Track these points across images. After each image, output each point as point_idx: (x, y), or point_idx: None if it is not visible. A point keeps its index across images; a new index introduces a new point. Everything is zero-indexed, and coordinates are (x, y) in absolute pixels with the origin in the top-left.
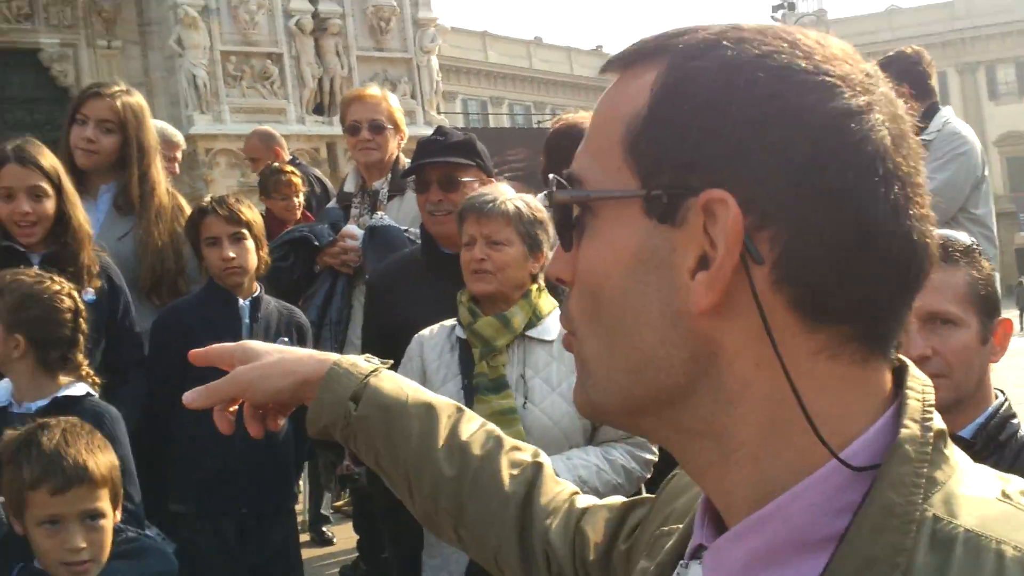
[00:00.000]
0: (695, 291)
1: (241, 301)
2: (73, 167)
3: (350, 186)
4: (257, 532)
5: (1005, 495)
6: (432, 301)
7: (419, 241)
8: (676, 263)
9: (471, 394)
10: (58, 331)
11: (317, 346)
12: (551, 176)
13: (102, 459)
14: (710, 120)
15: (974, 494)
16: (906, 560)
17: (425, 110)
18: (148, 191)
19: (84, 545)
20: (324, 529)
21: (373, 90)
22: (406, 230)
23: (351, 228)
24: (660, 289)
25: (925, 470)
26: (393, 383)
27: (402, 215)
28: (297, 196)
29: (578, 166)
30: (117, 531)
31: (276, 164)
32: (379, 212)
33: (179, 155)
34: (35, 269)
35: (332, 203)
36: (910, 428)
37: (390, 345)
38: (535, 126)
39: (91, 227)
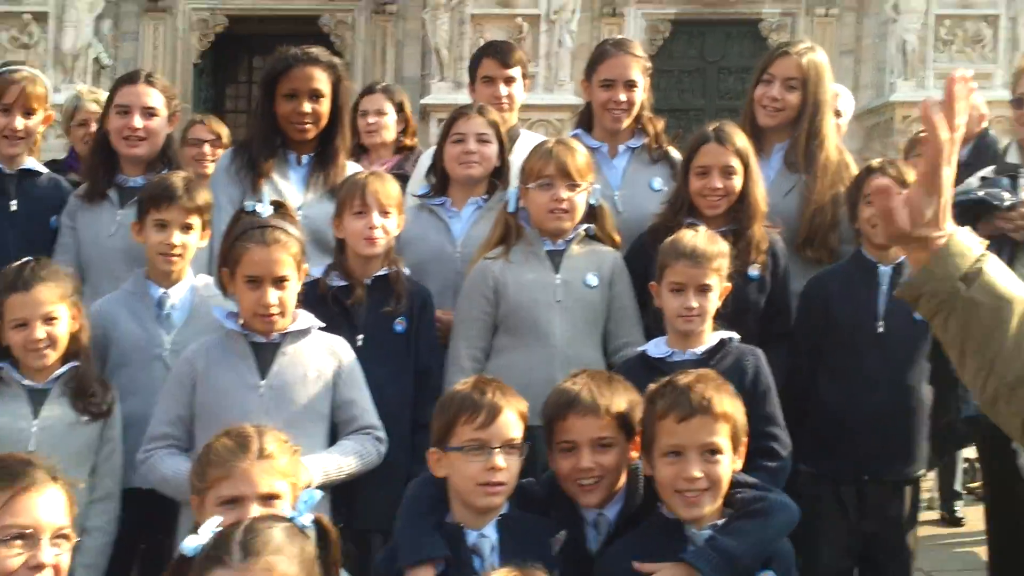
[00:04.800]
0: None
1: (881, 268)
2: (753, 124)
3: (1013, 157)
4: (876, 501)
5: None
6: None
7: None
8: None
9: None
10: None
11: None
12: None
13: (728, 400)
14: None
15: None
16: None
17: None
18: (816, 146)
19: (699, 475)
20: (955, 507)
21: None
22: None
23: None
24: None
25: None
26: (1002, 274)
27: None
28: None
29: None
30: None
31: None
32: None
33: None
34: None
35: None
36: None
37: None
38: None
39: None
